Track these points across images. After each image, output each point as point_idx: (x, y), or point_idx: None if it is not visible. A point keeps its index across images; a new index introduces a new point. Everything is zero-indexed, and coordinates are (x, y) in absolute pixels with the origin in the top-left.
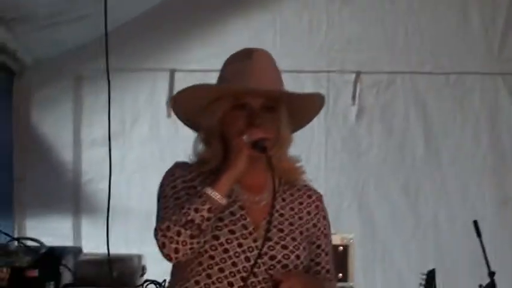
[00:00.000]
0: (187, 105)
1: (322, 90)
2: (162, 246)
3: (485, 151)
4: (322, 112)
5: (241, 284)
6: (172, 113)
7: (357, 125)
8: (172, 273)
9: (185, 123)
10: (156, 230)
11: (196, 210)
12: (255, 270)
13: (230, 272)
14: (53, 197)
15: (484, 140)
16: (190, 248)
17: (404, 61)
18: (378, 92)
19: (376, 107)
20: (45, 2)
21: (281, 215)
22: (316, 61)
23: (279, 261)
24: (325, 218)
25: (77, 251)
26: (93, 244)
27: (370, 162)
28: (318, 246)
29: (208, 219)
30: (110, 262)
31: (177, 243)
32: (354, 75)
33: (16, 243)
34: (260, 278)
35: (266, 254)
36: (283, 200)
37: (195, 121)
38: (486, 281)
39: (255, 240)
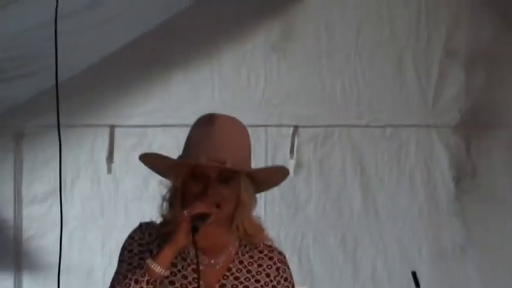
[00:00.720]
0: (153, 165)
1: (260, 144)
2: None
3: (421, 203)
4: (261, 165)
5: None
6: (113, 170)
7: (296, 179)
8: None
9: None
10: None
11: (136, 282)
12: None
13: None
14: None
15: (420, 192)
16: None
17: (342, 115)
18: (315, 145)
19: (314, 161)
20: None
21: (236, 278)
22: (254, 115)
23: None
24: (286, 279)
25: None
26: None
27: (308, 216)
28: None
29: None
30: None
31: None
32: (291, 129)
33: None
34: None
35: None
36: (241, 262)
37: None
38: None
39: None
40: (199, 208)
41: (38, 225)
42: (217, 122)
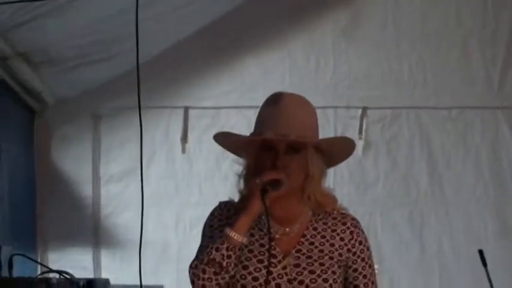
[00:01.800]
0: (226, 143)
1: (329, 125)
2: (192, 283)
3: (487, 182)
4: None
5: None
6: (187, 149)
7: (364, 158)
8: None
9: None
10: (189, 267)
11: (217, 250)
12: None
13: None
14: (73, 230)
15: (485, 171)
16: (216, 284)
17: (409, 97)
18: (383, 126)
19: (382, 141)
20: (73, 45)
21: (311, 243)
22: (323, 97)
23: (307, 286)
24: (361, 243)
25: (105, 282)
26: (112, 276)
27: (376, 194)
28: (355, 270)
29: (229, 257)
30: None
31: (203, 280)
32: (360, 111)
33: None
34: None
35: (295, 279)
36: (315, 229)
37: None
38: None
39: (284, 268)
40: (270, 175)
41: (115, 203)
42: (283, 99)
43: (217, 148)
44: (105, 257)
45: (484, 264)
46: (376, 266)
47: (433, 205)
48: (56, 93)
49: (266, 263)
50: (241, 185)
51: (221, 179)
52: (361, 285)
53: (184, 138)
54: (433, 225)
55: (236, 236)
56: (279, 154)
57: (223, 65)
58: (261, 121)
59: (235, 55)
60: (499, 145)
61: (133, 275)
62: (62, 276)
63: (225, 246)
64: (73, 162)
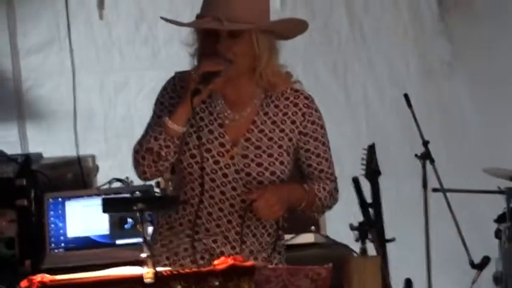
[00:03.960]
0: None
1: None
2: (134, 166)
3: (406, 24)
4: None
5: (222, 197)
6: (104, 15)
7: (282, 11)
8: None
9: None
10: (133, 149)
11: (155, 139)
12: (234, 184)
13: (210, 187)
14: None
15: (404, 13)
16: (156, 170)
17: None
18: None
19: None
20: None
21: (261, 130)
22: None
23: (254, 178)
24: (314, 122)
25: (39, 156)
26: (40, 149)
27: (297, 46)
28: (307, 150)
29: (167, 146)
30: (79, 163)
31: (143, 166)
32: None
33: None
34: (239, 191)
35: (242, 170)
36: (266, 114)
37: None
38: (421, 150)
39: (231, 158)
40: (205, 67)
41: (36, 75)
42: None
43: (135, 12)
44: (31, 130)
45: (410, 106)
46: None
47: (355, 52)
48: None
49: (214, 152)
50: (195, 63)
51: (141, 42)
52: (314, 164)
53: (100, 4)
54: (357, 72)
55: (174, 126)
56: (220, 38)
57: None
58: (207, 3)
59: None
60: None
61: (61, 146)
62: None
63: (163, 136)
64: None
